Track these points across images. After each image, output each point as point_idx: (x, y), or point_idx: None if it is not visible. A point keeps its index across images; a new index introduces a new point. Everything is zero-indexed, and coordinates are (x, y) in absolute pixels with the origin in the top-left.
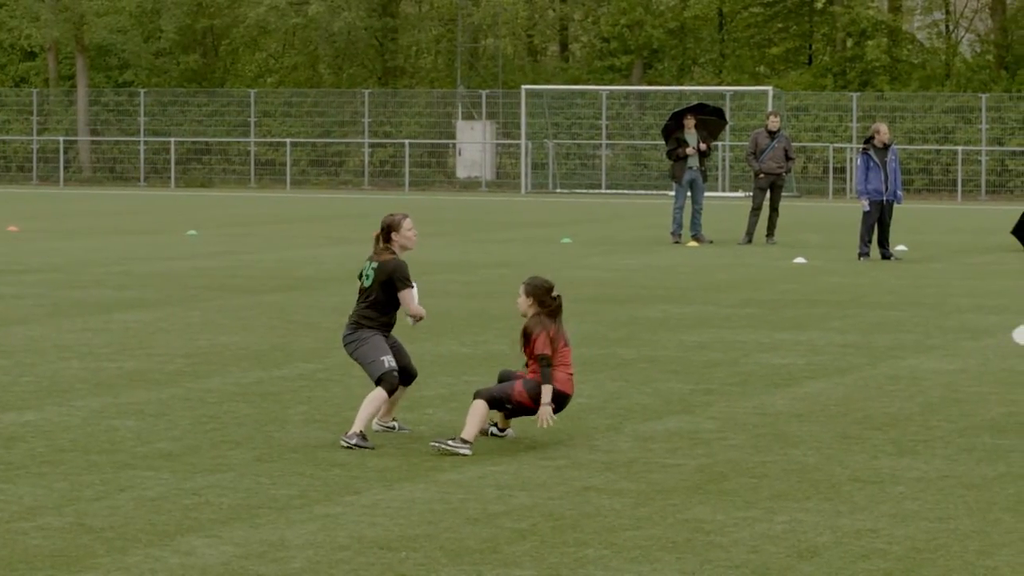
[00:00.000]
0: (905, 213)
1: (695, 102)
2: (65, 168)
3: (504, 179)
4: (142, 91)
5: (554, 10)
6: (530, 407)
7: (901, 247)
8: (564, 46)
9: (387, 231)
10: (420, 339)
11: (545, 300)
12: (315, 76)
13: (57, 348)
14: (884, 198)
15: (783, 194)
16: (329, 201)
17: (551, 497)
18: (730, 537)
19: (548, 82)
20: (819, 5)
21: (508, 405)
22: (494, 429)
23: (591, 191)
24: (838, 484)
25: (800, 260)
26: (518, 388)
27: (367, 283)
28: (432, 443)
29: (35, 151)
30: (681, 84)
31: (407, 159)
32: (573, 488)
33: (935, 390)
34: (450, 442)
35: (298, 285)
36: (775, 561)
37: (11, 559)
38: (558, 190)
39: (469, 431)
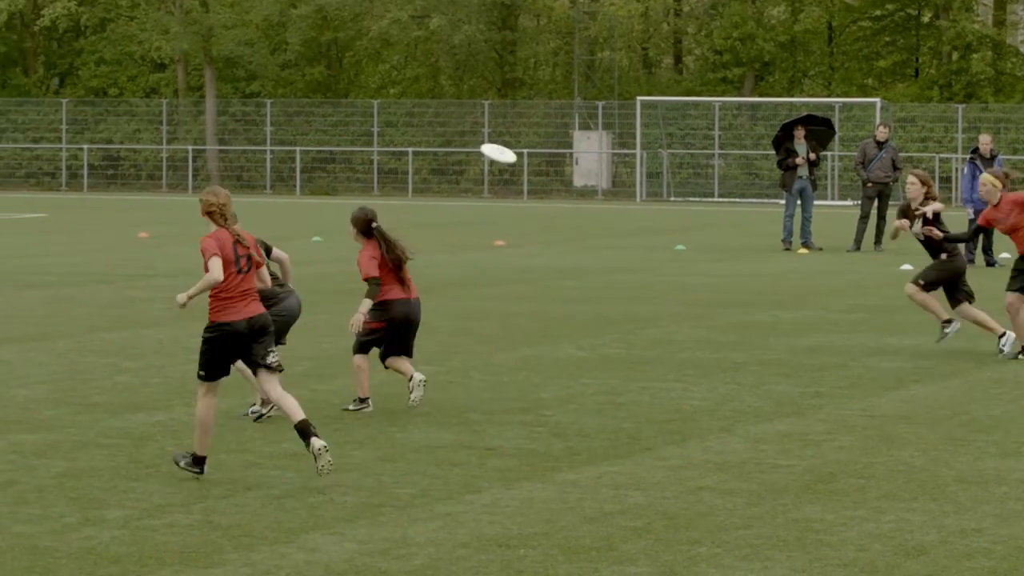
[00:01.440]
0: None
1: (805, 113)
2: (194, 176)
3: (620, 187)
4: (268, 102)
5: (668, 24)
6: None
7: (1005, 254)
8: (678, 59)
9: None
10: (538, 343)
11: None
12: (436, 87)
13: (186, 351)
14: None
15: (890, 203)
16: (450, 208)
17: (665, 497)
18: (838, 536)
19: (662, 94)
20: (925, 19)
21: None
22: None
23: (704, 199)
24: (944, 485)
25: (907, 267)
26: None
27: None
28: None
29: (165, 160)
30: (791, 96)
31: (526, 168)
32: (686, 488)
33: None
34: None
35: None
36: (882, 559)
37: (141, 555)
38: (672, 198)
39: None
